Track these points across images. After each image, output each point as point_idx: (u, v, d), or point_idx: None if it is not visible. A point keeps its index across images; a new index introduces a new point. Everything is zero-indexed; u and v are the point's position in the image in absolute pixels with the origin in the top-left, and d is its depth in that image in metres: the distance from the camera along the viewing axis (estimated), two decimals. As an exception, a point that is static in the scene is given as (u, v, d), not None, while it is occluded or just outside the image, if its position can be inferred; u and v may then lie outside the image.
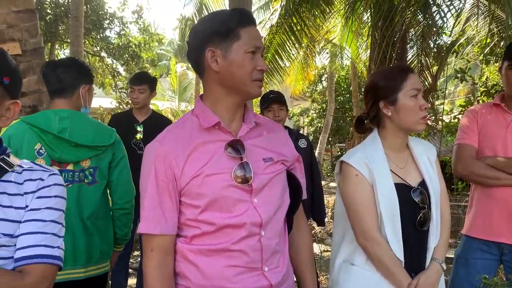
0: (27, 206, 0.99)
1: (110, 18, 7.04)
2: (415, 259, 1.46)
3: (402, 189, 1.45)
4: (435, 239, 1.47)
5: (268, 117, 2.97)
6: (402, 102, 1.44)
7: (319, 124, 14.58)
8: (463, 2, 5.11)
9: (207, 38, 1.16)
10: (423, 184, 1.49)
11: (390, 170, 1.46)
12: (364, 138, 1.58)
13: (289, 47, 7.64)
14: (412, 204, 1.45)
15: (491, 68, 7.33)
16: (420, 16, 6.08)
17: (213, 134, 1.19)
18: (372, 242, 1.42)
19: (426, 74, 7.60)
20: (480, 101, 7.25)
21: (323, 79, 15.67)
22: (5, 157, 1.02)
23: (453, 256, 2.23)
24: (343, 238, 1.54)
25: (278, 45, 7.64)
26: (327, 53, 11.61)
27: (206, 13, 7.82)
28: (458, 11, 5.55)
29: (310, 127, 15.70)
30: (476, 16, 5.38)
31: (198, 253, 1.17)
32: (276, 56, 7.81)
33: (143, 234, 1.18)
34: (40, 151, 1.74)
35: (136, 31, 8.08)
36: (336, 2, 7.08)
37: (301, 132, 3.13)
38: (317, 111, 15.37)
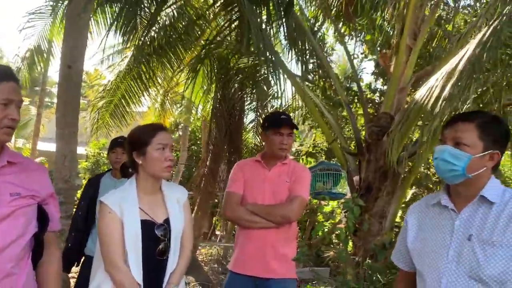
0: None
1: None
2: (154, 283, 1.75)
3: (148, 225, 1.76)
4: (172, 267, 1.80)
5: (111, 159, 3.15)
6: (150, 153, 1.78)
7: (172, 172, 14.71)
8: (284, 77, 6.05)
9: None
10: (167, 221, 1.82)
11: (140, 208, 1.77)
12: None
13: (136, 93, 7.82)
14: (155, 237, 1.76)
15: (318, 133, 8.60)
16: (252, 82, 6.94)
17: None
18: (116, 270, 1.68)
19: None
20: (303, 160, 8.43)
21: (180, 127, 16.08)
22: None
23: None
24: (98, 267, 1.76)
25: (125, 90, 7.78)
26: (181, 103, 12.08)
27: (47, 46, 7.63)
28: (284, 84, 6.53)
29: (163, 173, 15.70)
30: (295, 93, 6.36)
31: None
32: (123, 101, 7.91)
33: None
34: None
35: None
36: (187, 57, 7.58)
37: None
38: (170, 158, 15.58)
